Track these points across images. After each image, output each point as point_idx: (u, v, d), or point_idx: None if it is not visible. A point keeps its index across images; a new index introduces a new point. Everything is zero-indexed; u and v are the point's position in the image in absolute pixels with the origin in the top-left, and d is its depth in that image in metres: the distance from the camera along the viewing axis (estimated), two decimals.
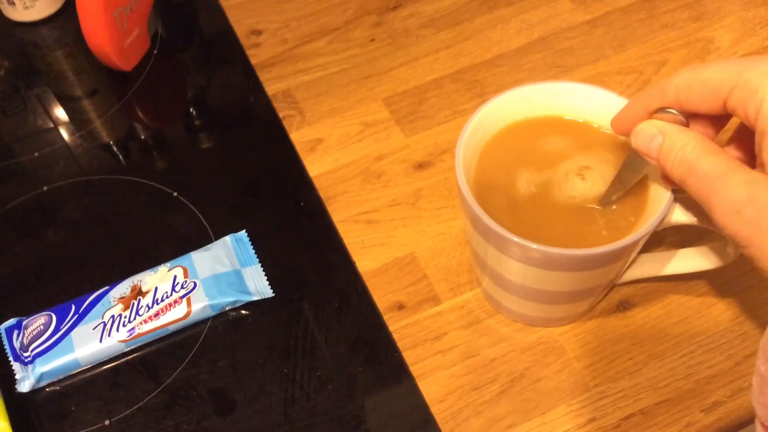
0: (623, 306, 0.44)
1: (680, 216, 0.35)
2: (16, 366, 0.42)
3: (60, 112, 0.56)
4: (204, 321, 0.44)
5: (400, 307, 0.45)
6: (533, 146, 0.40)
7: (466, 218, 0.38)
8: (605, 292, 0.43)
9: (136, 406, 0.41)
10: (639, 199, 0.38)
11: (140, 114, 0.56)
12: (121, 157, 0.53)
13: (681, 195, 0.36)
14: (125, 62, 0.56)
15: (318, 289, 0.45)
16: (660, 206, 0.35)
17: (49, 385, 0.42)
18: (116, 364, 0.43)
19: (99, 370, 0.43)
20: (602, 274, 0.38)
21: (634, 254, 0.38)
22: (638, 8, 0.60)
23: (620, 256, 0.37)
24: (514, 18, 0.60)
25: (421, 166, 0.52)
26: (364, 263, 0.47)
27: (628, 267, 0.40)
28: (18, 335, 0.42)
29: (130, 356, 0.43)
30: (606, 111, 0.39)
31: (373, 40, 0.60)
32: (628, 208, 0.38)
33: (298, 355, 0.43)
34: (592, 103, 0.40)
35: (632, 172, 0.36)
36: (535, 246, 0.35)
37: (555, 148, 0.40)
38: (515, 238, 0.35)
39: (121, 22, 0.54)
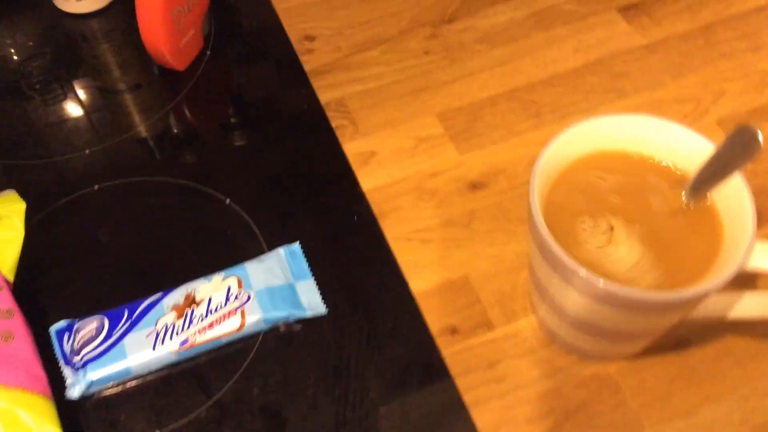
0: (680, 344, 0.43)
1: (762, 261, 0.35)
2: (66, 371, 0.41)
3: (110, 109, 0.56)
4: (256, 334, 0.43)
5: (453, 331, 0.44)
6: (602, 187, 0.39)
7: (534, 244, 0.38)
8: (666, 333, 0.43)
9: (186, 419, 0.41)
10: (712, 235, 0.37)
11: (192, 116, 0.55)
12: (173, 159, 0.52)
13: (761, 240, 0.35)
14: (180, 62, 0.56)
15: (371, 307, 0.45)
16: (740, 250, 0.35)
17: (99, 391, 0.41)
18: (167, 374, 0.42)
19: (150, 378, 0.42)
20: (667, 318, 0.38)
21: (704, 300, 0.37)
22: (696, 35, 0.59)
23: (690, 303, 0.36)
24: (570, 38, 0.60)
25: (475, 186, 0.51)
26: (417, 283, 0.46)
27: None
28: (69, 338, 0.42)
29: (182, 366, 0.42)
30: (687, 153, 0.38)
31: (427, 52, 0.59)
32: (701, 244, 0.37)
33: (351, 375, 0.42)
34: (680, 144, 0.39)
35: (733, 160, 0.35)
36: (602, 283, 0.34)
37: (621, 195, 0.39)
38: (582, 272, 0.34)
39: (178, 22, 0.53)
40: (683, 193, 0.39)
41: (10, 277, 0.43)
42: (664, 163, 0.40)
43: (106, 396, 0.42)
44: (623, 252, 0.37)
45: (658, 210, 0.39)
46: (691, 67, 0.57)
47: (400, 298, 0.45)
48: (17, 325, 0.41)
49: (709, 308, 0.40)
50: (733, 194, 0.36)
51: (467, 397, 0.42)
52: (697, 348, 0.43)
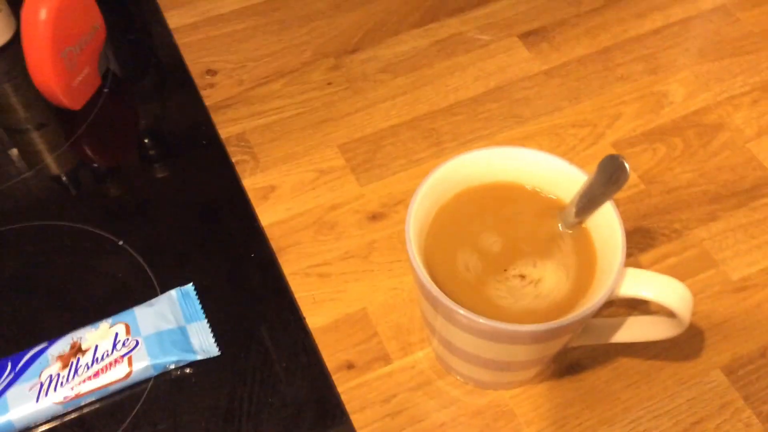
0: (573, 368, 0.44)
1: (630, 289, 0.35)
2: None
3: (4, 151, 0.54)
4: (146, 380, 0.42)
5: (350, 366, 0.44)
6: (486, 218, 0.40)
7: (416, 284, 0.38)
8: (555, 358, 0.43)
9: None
10: (587, 262, 0.38)
11: (88, 156, 0.54)
12: (65, 201, 0.51)
13: (630, 267, 0.36)
14: (73, 101, 0.55)
15: (266, 346, 0.44)
16: (610, 277, 0.35)
17: None
18: (52, 426, 0.41)
19: (35, 430, 0.41)
20: (551, 346, 0.38)
21: (581, 326, 0.38)
22: (594, 60, 0.61)
23: (568, 330, 0.36)
24: (471, 66, 0.61)
25: (374, 217, 0.51)
26: (314, 319, 0.46)
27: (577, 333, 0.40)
28: None
29: (67, 417, 0.41)
30: (563, 183, 0.39)
31: (330, 83, 0.59)
32: (576, 275, 0.38)
33: (243, 418, 0.42)
34: (553, 173, 0.40)
35: (603, 189, 0.36)
36: (482, 320, 0.34)
37: (507, 223, 0.40)
38: (461, 311, 0.34)
39: (69, 62, 0.52)
40: (559, 221, 0.39)
41: None
42: (540, 192, 0.41)
43: None
44: (550, 281, 0.37)
45: (538, 237, 0.39)
46: (588, 91, 0.59)
47: (296, 335, 0.45)
48: None
49: (594, 333, 0.41)
50: (605, 222, 0.37)
51: None
52: (590, 371, 0.44)
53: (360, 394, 0.43)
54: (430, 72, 0.60)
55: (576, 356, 0.44)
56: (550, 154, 0.40)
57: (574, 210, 0.38)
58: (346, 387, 0.43)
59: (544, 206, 0.40)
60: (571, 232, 0.39)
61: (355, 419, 0.42)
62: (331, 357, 0.44)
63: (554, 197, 0.41)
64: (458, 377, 0.43)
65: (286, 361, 0.44)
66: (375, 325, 0.46)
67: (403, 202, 0.52)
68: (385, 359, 0.45)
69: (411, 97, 0.58)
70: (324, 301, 0.47)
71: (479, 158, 0.41)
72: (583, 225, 0.39)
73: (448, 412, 0.42)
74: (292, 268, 0.48)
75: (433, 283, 0.35)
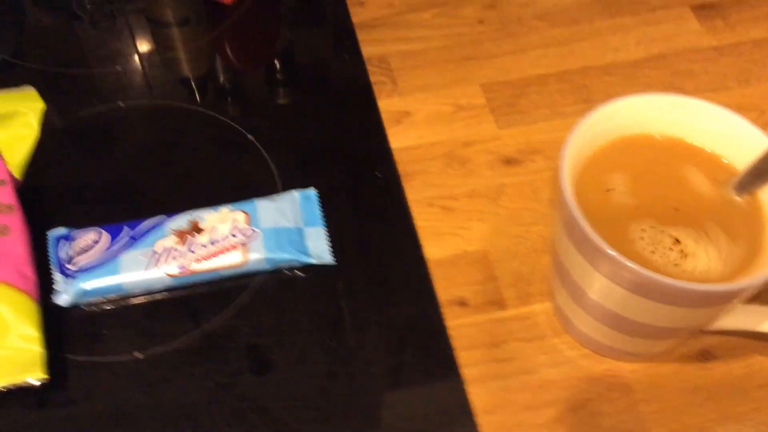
0: (704, 356, 0.40)
1: None
2: (57, 277, 0.40)
3: (148, 33, 0.54)
4: (256, 274, 0.41)
5: (462, 303, 0.42)
6: (642, 171, 0.36)
7: (560, 222, 0.35)
8: (689, 337, 0.39)
9: (170, 345, 0.39)
10: (756, 232, 0.34)
11: (229, 51, 0.53)
12: (202, 88, 0.51)
13: None
14: None
15: (380, 266, 0.43)
16: None
17: (87, 304, 0.40)
18: (159, 298, 0.40)
19: (140, 300, 0.40)
20: (694, 316, 0.34)
21: (736, 301, 0.34)
22: None
23: (722, 299, 0.33)
24: (635, 29, 0.56)
25: (509, 161, 0.48)
26: (432, 250, 0.44)
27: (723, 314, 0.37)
28: (65, 246, 0.41)
29: (175, 292, 0.41)
30: (738, 144, 0.35)
31: (481, 22, 0.57)
32: (746, 240, 0.34)
33: (347, 330, 0.40)
34: (725, 131, 0.36)
35: None
36: (629, 264, 0.31)
37: (665, 180, 0.36)
38: (610, 251, 0.31)
39: None
40: (730, 186, 0.35)
41: (17, 174, 0.42)
42: (709, 151, 0.37)
43: (92, 310, 0.40)
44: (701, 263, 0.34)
45: (702, 203, 0.36)
46: (760, 75, 0.54)
47: (411, 262, 0.43)
48: (15, 222, 0.40)
49: (740, 318, 0.37)
50: None
51: (465, 373, 0.39)
52: (722, 363, 0.40)
53: (469, 333, 0.41)
54: (589, 28, 0.56)
55: (708, 343, 0.40)
56: (726, 108, 0.36)
57: (751, 176, 0.34)
58: (455, 323, 0.41)
59: (711, 167, 0.36)
60: (741, 199, 0.35)
61: (461, 356, 0.40)
62: (443, 290, 0.42)
63: (726, 161, 0.37)
64: (577, 338, 0.40)
65: (396, 285, 0.42)
66: (494, 268, 0.43)
67: (541, 152, 0.49)
68: (500, 304, 0.42)
69: (565, 50, 0.55)
70: (444, 234, 0.45)
71: (640, 104, 0.37)
72: (757, 193, 0.35)
73: (560, 371, 0.40)
74: (416, 196, 0.46)
75: (588, 224, 0.32)
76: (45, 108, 0.43)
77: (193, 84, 0.51)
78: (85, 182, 0.45)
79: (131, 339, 0.39)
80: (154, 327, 0.39)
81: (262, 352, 0.39)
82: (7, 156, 0.42)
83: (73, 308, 0.40)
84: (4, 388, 0.36)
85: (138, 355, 0.38)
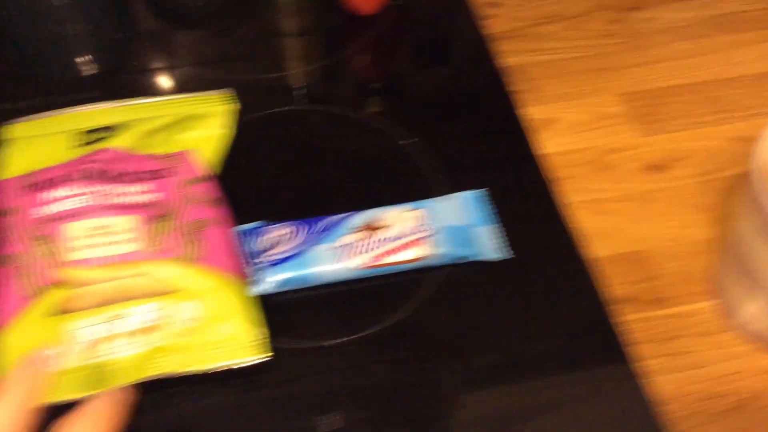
0: None
1: None
2: (251, 268, 0.42)
3: (302, 44, 0.57)
4: (433, 268, 0.43)
5: (630, 301, 0.44)
6: None
7: (752, 224, 0.37)
8: None
9: (357, 335, 0.41)
10: None
11: (380, 61, 0.56)
12: (363, 96, 0.53)
13: None
14: (367, 5, 0.57)
15: (548, 265, 0.44)
16: None
17: (277, 294, 0.42)
18: (344, 290, 0.42)
19: (327, 291, 0.42)
20: None
21: None
22: None
23: None
24: (754, 44, 0.59)
25: (655, 167, 0.50)
26: (592, 250, 0.46)
27: None
28: (256, 240, 0.43)
29: (359, 285, 0.43)
30: None
31: (609, 35, 0.59)
32: None
33: (527, 325, 0.42)
34: None
35: None
36: None
37: None
38: None
39: None
40: None
41: (215, 172, 0.44)
42: None
43: (283, 300, 0.42)
44: None
45: None
46: None
47: (576, 261, 0.45)
48: (221, 215, 0.42)
49: None
50: None
51: (641, 367, 0.41)
52: None
53: (640, 329, 0.42)
54: (710, 42, 0.59)
55: None
56: None
57: None
58: (625, 319, 0.43)
59: None
60: None
61: (635, 351, 0.41)
62: (610, 289, 0.44)
63: None
64: (746, 334, 0.42)
65: (565, 282, 0.44)
66: (655, 267, 0.45)
67: (683, 160, 0.51)
68: (665, 302, 0.44)
69: (693, 62, 0.57)
70: (603, 235, 0.46)
71: None
72: None
73: (731, 365, 0.41)
74: (571, 199, 0.48)
75: None
76: (237, 109, 0.46)
77: (353, 91, 0.54)
78: (262, 181, 0.47)
79: (319, 328, 0.41)
80: (341, 318, 0.41)
81: (446, 345, 0.41)
82: (203, 154, 0.44)
83: (265, 297, 0.42)
84: (227, 367, 0.38)
85: (326, 344, 0.40)
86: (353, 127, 0.50)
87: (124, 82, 0.53)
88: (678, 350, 0.42)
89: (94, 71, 0.54)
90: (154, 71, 0.54)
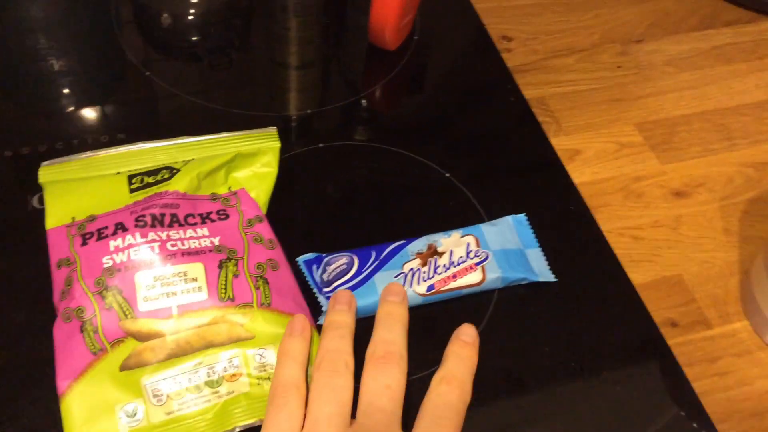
0: None
1: None
2: (321, 299, 0.42)
3: (336, 78, 0.58)
4: (491, 291, 0.45)
5: (673, 324, 0.46)
6: None
7: None
8: None
9: (430, 370, 0.41)
10: None
11: (405, 94, 0.57)
12: (390, 129, 0.54)
13: None
14: (393, 42, 0.58)
15: (594, 287, 0.46)
16: None
17: None
18: (411, 314, 0.43)
19: None
20: None
21: None
22: None
23: None
24: (750, 74, 0.62)
25: (678, 194, 0.53)
26: (633, 276, 0.48)
27: None
28: (317, 270, 0.43)
29: (424, 310, 0.43)
30: None
31: (619, 66, 0.62)
32: None
33: (584, 349, 0.43)
34: None
35: None
36: None
37: None
38: None
39: (406, 3, 0.56)
40: None
41: (264, 212, 0.44)
42: None
43: None
44: None
45: None
46: None
47: (619, 287, 0.47)
48: (279, 256, 0.42)
49: None
50: None
51: (695, 387, 0.43)
52: None
53: (686, 351, 0.44)
54: (712, 72, 0.62)
55: None
56: None
57: None
58: (672, 342, 0.45)
59: None
60: None
61: (686, 372, 0.43)
62: (653, 313, 0.46)
63: None
64: None
65: (616, 306, 0.45)
66: (692, 291, 0.47)
67: (703, 185, 0.54)
68: (706, 324, 0.46)
69: (698, 92, 0.60)
70: (641, 261, 0.49)
71: None
72: None
73: None
74: (607, 226, 0.50)
75: None
76: (279, 147, 0.46)
77: (378, 125, 0.54)
78: (305, 215, 0.48)
79: None
80: (409, 346, 0.42)
81: (511, 373, 0.42)
82: (253, 194, 0.44)
83: None
84: None
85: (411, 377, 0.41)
86: (385, 161, 0.51)
87: (159, 120, 0.53)
88: (723, 370, 0.44)
89: (126, 110, 0.53)
90: (191, 110, 0.53)
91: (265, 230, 0.42)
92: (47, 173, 0.44)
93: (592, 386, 0.42)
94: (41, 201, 0.44)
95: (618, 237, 0.50)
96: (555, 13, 0.66)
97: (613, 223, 0.50)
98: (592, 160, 0.54)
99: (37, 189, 0.45)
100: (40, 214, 0.43)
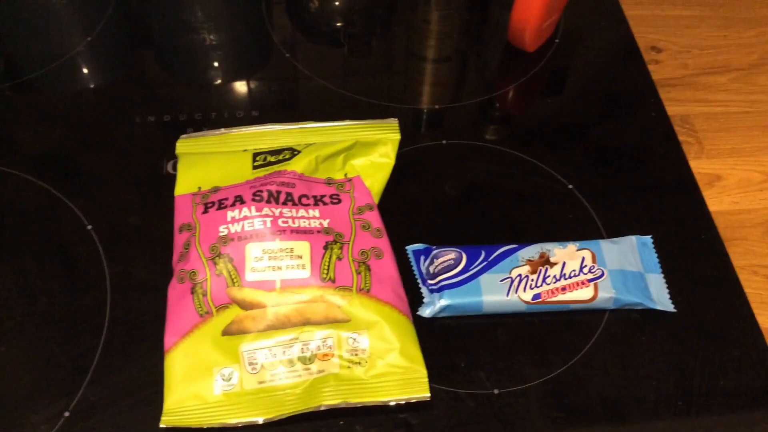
0: None
1: None
2: (424, 290, 0.42)
3: (469, 75, 0.57)
4: (601, 311, 0.42)
5: None
6: None
7: None
8: None
9: (520, 386, 0.40)
10: None
11: (539, 98, 0.55)
12: (516, 133, 0.53)
13: None
14: (532, 43, 0.56)
15: (716, 325, 0.43)
16: None
17: (447, 318, 0.42)
18: (512, 322, 0.42)
19: (492, 321, 0.42)
20: None
21: None
22: None
23: None
24: None
25: None
26: (762, 319, 0.44)
27: None
28: (425, 261, 0.43)
29: (527, 318, 0.42)
30: None
31: None
32: None
33: (696, 389, 0.40)
34: None
35: None
36: None
37: None
38: None
39: (551, 4, 0.54)
40: None
41: (376, 200, 0.45)
42: None
43: (451, 324, 0.42)
44: None
45: None
46: None
47: (745, 328, 0.43)
48: (385, 245, 0.42)
49: None
50: None
51: None
52: None
53: None
54: None
55: None
56: None
57: None
58: None
59: None
60: None
61: None
62: None
63: None
64: None
65: (737, 349, 0.42)
66: None
67: None
68: None
69: None
70: None
71: None
72: None
73: None
74: (740, 262, 0.46)
75: None
76: (399, 139, 0.46)
77: (508, 128, 0.53)
78: (419, 210, 0.47)
79: (484, 354, 0.41)
80: (507, 353, 0.41)
81: (615, 404, 0.40)
82: (368, 182, 0.45)
83: (433, 320, 0.42)
84: (385, 402, 0.38)
85: (492, 390, 0.40)
86: (513, 164, 0.50)
87: (291, 101, 0.54)
88: None
89: (262, 92, 0.55)
90: (323, 93, 0.54)
91: (374, 218, 0.43)
92: (184, 145, 0.47)
93: (695, 430, 0.39)
94: (174, 167, 0.47)
95: (751, 275, 0.46)
96: (713, 27, 0.61)
97: (748, 260, 0.47)
98: (734, 188, 0.50)
99: (172, 156, 0.47)
100: (171, 179, 0.45)
